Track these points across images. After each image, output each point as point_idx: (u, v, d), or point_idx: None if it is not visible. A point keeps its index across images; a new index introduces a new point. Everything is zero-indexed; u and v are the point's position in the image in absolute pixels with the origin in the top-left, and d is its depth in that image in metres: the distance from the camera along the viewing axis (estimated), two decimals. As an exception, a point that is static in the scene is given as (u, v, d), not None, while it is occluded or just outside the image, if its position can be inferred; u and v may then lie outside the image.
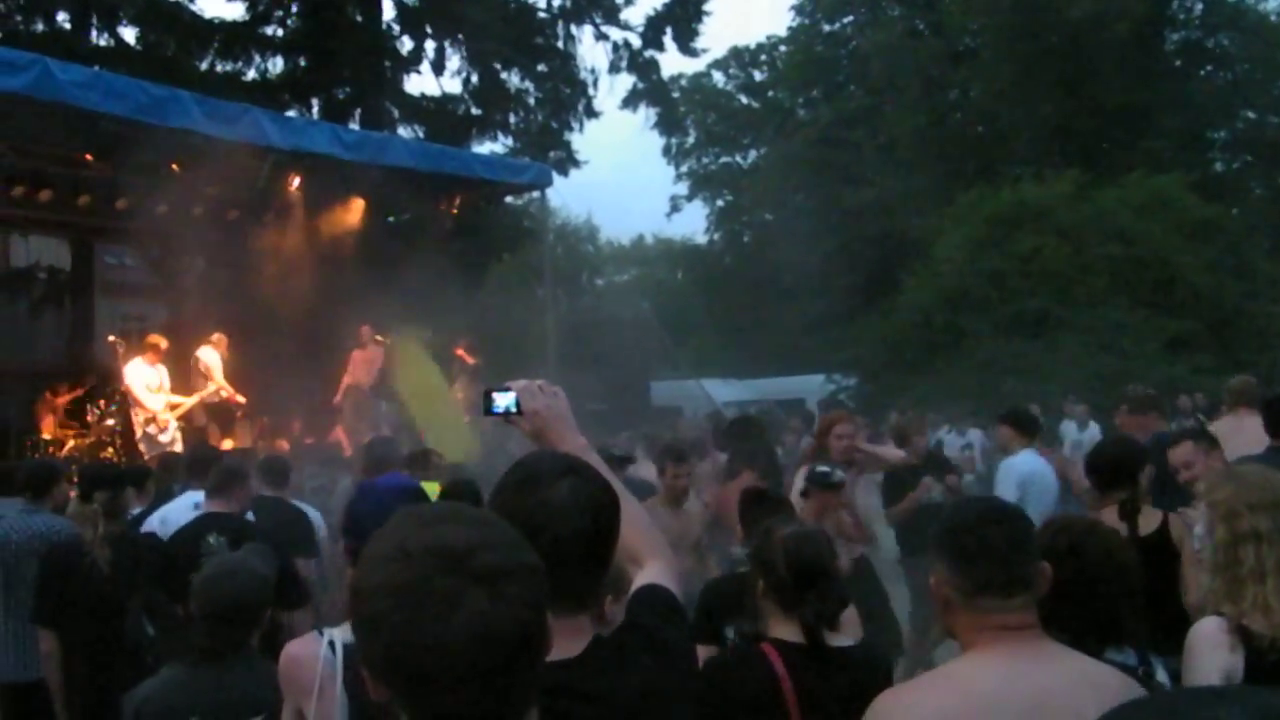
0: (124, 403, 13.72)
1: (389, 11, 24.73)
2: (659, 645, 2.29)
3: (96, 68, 14.23)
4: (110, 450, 13.46)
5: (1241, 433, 7.58)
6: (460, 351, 16.82)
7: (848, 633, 3.62)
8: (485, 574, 1.44)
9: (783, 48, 50.39)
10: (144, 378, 13.14)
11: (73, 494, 7.12)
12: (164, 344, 13.47)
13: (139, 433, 13.21)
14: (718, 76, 51.58)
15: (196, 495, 7.02)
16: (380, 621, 1.44)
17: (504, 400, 2.69)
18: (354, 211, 16.26)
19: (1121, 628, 3.18)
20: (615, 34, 27.33)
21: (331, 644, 3.04)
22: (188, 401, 13.60)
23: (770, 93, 51.04)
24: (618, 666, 2.18)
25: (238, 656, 3.83)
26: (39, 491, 6.65)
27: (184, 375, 14.03)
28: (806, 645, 3.37)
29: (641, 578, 2.51)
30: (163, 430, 13.10)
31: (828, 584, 3.46)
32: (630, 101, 29.90)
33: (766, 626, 3.52)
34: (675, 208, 52.57)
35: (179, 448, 12.94)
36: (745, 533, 4.91)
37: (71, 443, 13.77)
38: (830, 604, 3.46)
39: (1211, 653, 3.05)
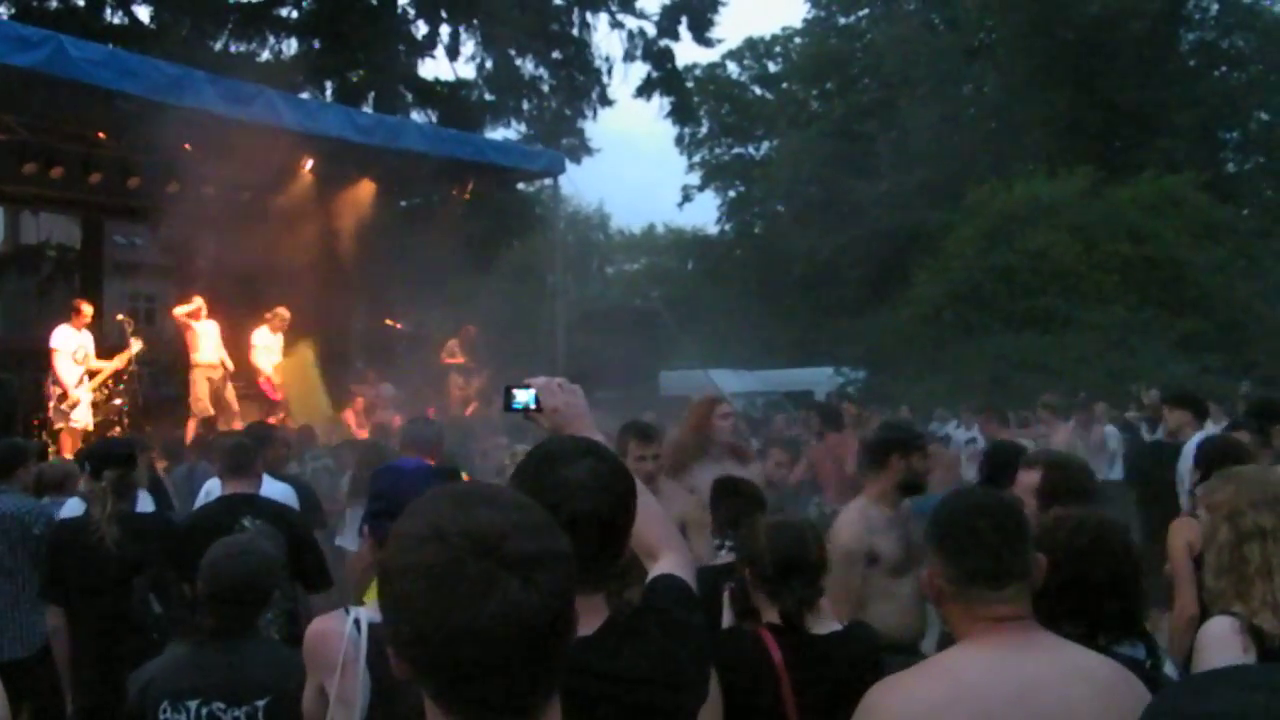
0: (132, 381, 13.73)
1: (404, -5, 24.76)
2: (673, 626, 2.31)
3: (110, 46, 14.26)
4: (118, 429, 13.45)
5: None
6: (450, 358, 16.67)
7: (825, 619, 3.66)
8: (518, 561, 1.43)
9: (797, 40, 50.37)
10: (69, 344, 12.95)
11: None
12: (89, 310, 13.30)
13: (50, 407, 13.12)
14: (732, 67, 51.56)
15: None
16: (409, 603, 1.43)
17: (524, 397, 2.76)
18: (366, 195, 16.27)
19: (1134, 622, 3.19)
20: (630, 22, 27.37)
21: (357, 622, 3.05)
22: (107, 367, 13.41)
23: (784, 85, 51.00)
24: (632, 645, 2.21)
25: (245, 637, 3.83)
26: (4, 472, 6.63)
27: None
28: (792, 631, 3.42)
29: (657, 569, 2.54)
30: (74, 407, 12.93)
31: (810, 572, 3.50)
32: (644, 90, 29.86)
33: (759, 615, 3.56)
34: (687, 198, 52.56)
35: (84, 425, 12.90)
36: (715, 521, 4.93)
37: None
38: (813, 592, 3.52)
39: (1222, 653, 3.05)
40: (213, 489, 6.79)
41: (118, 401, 13.81)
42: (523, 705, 1.49)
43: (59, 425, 12.88)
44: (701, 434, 6.72)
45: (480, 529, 1.44)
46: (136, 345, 13.79)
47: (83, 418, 13.03)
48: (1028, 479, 4.24)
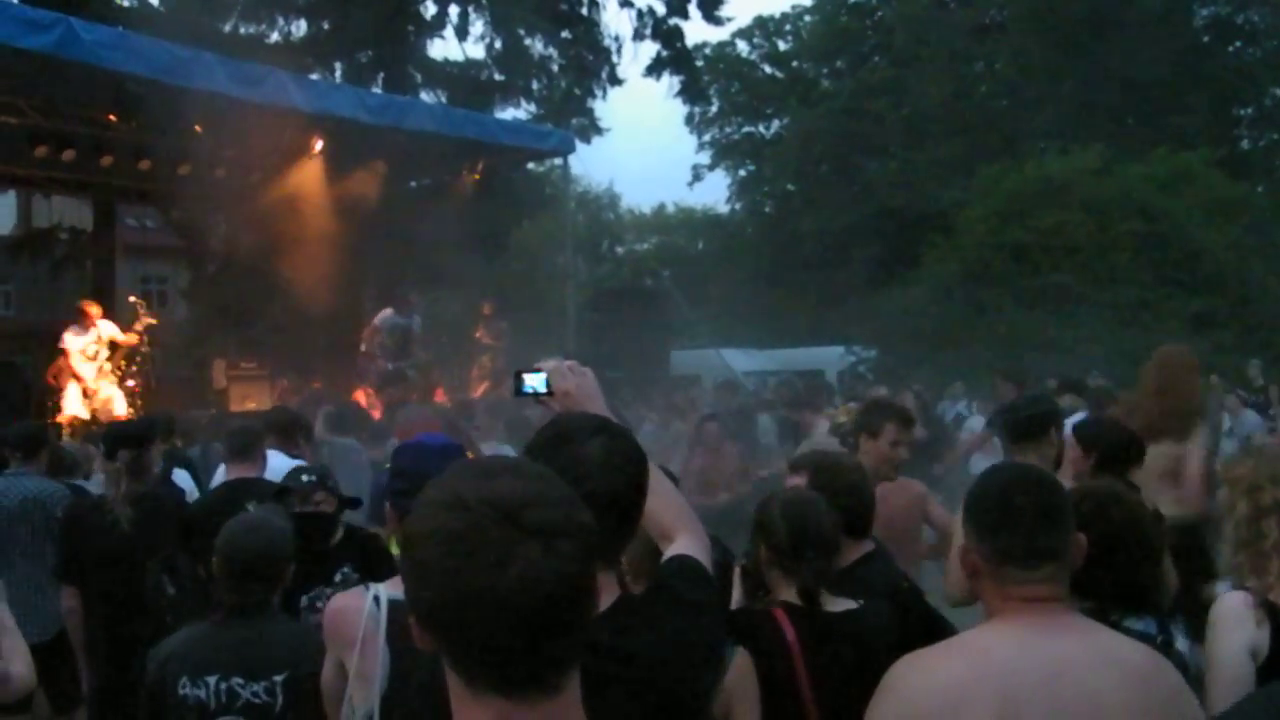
0: (145, 362, 13.78)
1: (413, -25, 24.66)
2: (685, 605, 2.32)
3: (120, 28, 14.23)
4: (131, 410, 13.50)
5: None
6: (480, 334, 16.82)
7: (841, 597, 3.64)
8: (540, 528, 1.44)
9: (807, 18, 50.13)
10: (79, 345, 13.20)
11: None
12: (95, 310, 13.50)
13: (75, 405, 13.23)
14: (742, 46, 51.24)
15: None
16: (431, 569, 1.44)
17: (534, 381, 2.75)
18: (376, 175, 16.23)
19: (1143, 595, 3.18)
20: (640, 1, 27.23)
21: (376, 599, 3.07)
22: (120, 339, 13.57)
23: (794, 63, 50.76)
24: (644, 623, 2.22)
25: (261, 614, 3.85)
26: (29, 453, 6.65)
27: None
28: (806, 609, 3.39)
29: (672, 550, 2.54)
30: (96, 398, 13.18)
31: (825, 546, 3.48)
32: (654, 69, 29.68)
33: (774, 592, 3.54)
34: (697, 177, 52.35)
35: (119, 412, 13.01)
36: None
37: (71, 417, 13.80)
38: (829, 565, 3.49)
39: (1237, 628, 3.04)
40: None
41: (131, 383, 13.85)
42: (544, 678, 1.49)
43: (82, 418, 13.00)
44: (1193, 396, 6.54)
45: (502, 497, 1.45)
46: (146, 320, 13.90)
47: (117, 409, 13.17)
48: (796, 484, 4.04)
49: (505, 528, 1.42)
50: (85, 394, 13.14)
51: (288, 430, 7.00)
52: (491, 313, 16.73)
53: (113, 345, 13.50)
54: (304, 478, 5.12)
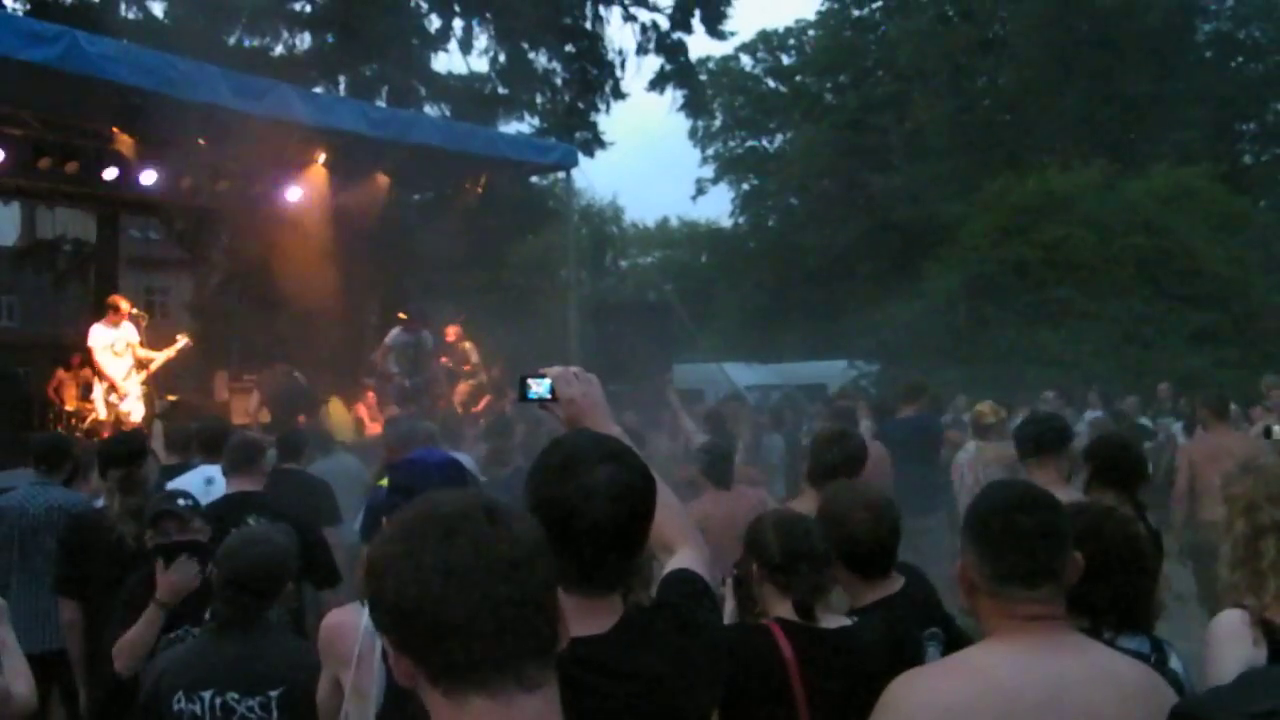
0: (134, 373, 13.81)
1: (418, -11, 24.74)
2: (687, 623, 2.31)
3: (124, 40, 14.25)
4: (144, 420, 13.50)
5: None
6: (445, 360, 16.58)
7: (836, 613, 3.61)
8: (488, 507, 1.50)
9: (811, 32, 50.22)
10: (105, 340, 13.07)
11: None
12: (124, 305, 13.39)
13: (100, 403, 13.22)
14: (745, 60, 51.41)
15: (208, 469, 6.92)
16: (388, 566, 1.48)
17: (539, 387, 2.73)
18: (379, 189, 16.23)
19: (1136, 613, 3.17)
20: (644, 15, 27.29)
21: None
22: (158, 357, 13.51)
23: (798, 77, 50.82)
24: (646, 643, 2.21)
25: (258, 629, 3.84)
26: (53, 464, 6.64)
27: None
28: (802, 625, 3.37)
29: (673, 564, 2.53)
30: (124, 399, 13.09)
31: (817, 561, 3.45)
32: (657, 83, 29.75)
33: (767, 609, 3.52)
34: (701, 191, 52.59)
35: (137, 418, 12.98)
36: None
37: (93, 415, 13.82)
38: (822, 579, 3.47)
39: (1234, 646, 3.03)
40: (192, 481, 6.76)
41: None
42: (520, 669, 1.48)
43: (107, 417, 12.97)
44: None
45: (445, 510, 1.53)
46: (185, 340, 13.91)
47: (133, 409, 13.14)
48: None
49: (453, 510, 1.50)
50: (113, 390, 13.10)
51: (214, 445, 6.94)
52: (457, 338, 16.37)
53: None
54: (180, 501, 5.06)
